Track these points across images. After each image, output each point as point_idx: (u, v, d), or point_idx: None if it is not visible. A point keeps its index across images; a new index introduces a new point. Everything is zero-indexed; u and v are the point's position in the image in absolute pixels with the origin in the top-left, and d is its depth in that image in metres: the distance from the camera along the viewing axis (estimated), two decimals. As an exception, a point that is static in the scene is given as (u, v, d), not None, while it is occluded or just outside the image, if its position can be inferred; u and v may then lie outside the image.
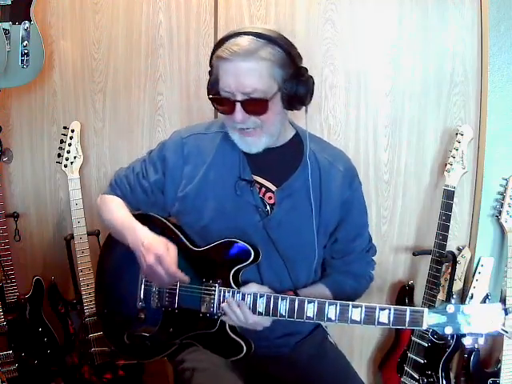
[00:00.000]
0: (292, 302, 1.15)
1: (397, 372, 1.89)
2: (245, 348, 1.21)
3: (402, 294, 1.91)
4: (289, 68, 1.18)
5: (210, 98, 1.23)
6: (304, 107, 1.24)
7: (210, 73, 1.23)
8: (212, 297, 1.22)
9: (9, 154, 1.99)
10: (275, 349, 1.34)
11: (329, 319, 1.13)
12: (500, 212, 1.84)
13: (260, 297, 1.17)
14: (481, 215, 1.89)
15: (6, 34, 1.63)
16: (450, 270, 1.84)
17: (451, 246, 1.90)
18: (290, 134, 1.34)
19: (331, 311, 1.12)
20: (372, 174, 1.95)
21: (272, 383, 1.35)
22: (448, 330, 1.04)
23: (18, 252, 2.02)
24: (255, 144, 1.23)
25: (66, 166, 1.90)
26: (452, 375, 1.87)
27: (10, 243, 1.90)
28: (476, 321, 1.03)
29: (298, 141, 1.33)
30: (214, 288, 1.22)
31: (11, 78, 1.69)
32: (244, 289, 1.20)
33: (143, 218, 1.31)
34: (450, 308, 1.04)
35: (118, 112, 2.01)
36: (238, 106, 1.16)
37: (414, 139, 1.92)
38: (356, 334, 2.05)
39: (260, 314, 1.17)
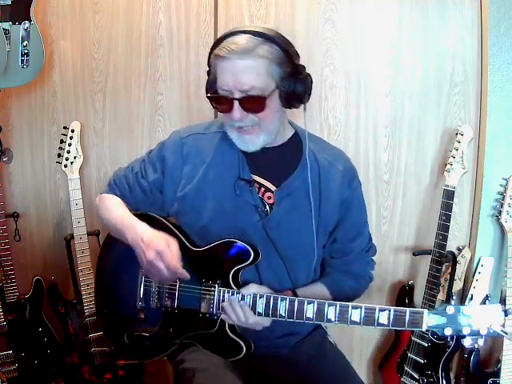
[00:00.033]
0: (292, 302, 1.15)
1: (397, 372, 1.89)
2: (244, 348, 1.21)
3: (402, 294, 1.91)
4: (286, 66, 1.18)
5: (208, 97, 1.24)
6: (302, 105, 1.24)
7: (208, 72, 1.24)
8: (211, 297, 1.22)
9: (9, 154, 1.99)
10: (275, 349, 1.34)
11: (328, 320, 1.12)
12: (500, 212, 1.84)
13: (260, 297, 1.17)
14: (481, 215, 1.88)
15: (6, 34, 1.63)
16: (450, 270, 1.84)
17: (451, 246, 1.90)
18: (289, 133, 1.34)
19: (331, 312, 1.12)
20: (372, 173, 1.94)
21: (272, 383, 1.35)
22: (448, 332, 1.04)
23: (17, 252, 2.02)
24: (253, 142, 1.23)
25: (65, 165, 1.90)
26: (452, 375, 1.87)
27: (10, 243, 1.90)
28: (476, 322, 1.02)
29: (297, 140, 1.33)
30: (213, 288, 1.22)
31: (11, 78, 1.69)
32: (244, 290, 1.19)
33: (143, 218, 1.30)
34: (450, 309, 1.04)
35: (118, 112, 2.01)
36: (236, 103, 1.16)
37: (413, 139, 1.92)
38: (356, 334, 2.05)
39: (260, 314, 1.17)
